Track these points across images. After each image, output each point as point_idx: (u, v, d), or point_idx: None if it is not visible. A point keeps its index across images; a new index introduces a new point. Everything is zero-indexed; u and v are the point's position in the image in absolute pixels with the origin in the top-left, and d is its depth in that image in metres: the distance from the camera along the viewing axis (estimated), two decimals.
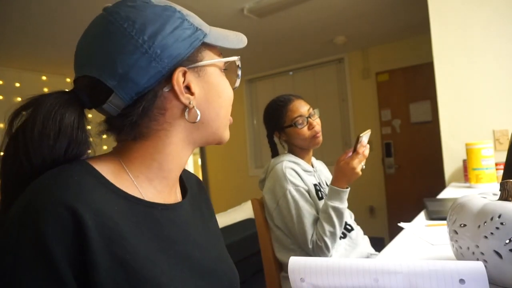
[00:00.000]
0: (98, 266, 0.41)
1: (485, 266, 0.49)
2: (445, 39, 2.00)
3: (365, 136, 1.14)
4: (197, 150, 5.27)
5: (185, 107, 0.52)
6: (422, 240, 0.89)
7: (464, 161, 1.83)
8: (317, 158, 1.49)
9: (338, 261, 0.49)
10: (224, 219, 3.03)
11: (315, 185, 1.32)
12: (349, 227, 1.35)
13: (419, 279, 0.45)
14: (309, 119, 1.32)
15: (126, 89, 0.48)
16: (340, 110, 4.12)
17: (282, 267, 1.32)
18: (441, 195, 1.56)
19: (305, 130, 1.31)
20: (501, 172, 1.56)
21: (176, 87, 0.50)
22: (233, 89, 0.60)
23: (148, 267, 0.45)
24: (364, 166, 1.15)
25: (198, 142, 0.57)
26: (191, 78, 0.52)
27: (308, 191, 1.27)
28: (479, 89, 1.91)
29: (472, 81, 1.93)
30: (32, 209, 0.41)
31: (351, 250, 1.30)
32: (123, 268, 0.43)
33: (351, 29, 3.26)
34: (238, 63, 0.61)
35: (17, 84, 3.70)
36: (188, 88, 0.52)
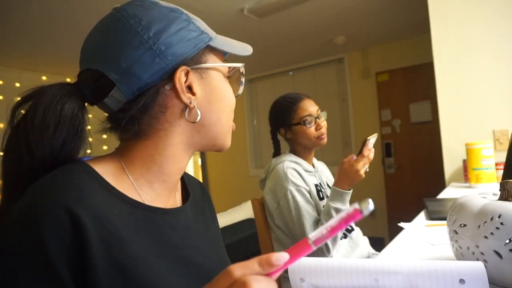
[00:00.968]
0: (96, 270, 0.41)
1: (485, 266, 0.49)
2: (445, 39, 2.00)
3: (371, 140, 1.15)
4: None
5: (186, 106, 0.52)
6: (422, 240, 0.89)
7: (464, 161, 1.83)
8: (317, 158, 1.49)
9: (338, 261, 0.49)
10: (224, 219, 3.03)
11: (316, 185, 1.32)
12: (350, 228, 1.36)
13: (419, 279, 0.45)
14: (317, 119, 1.33)
15: (128, 83, 0.48)
16: (340, 110, 4.12)
17: None
18: (441, 195, 1.56)
19: (312, 130, 1.32)
20: (501, 172, 1.56)
21: (177, 85, 0.50)
22: (236, 96, 0.60)
23: (147, 272, 0.45)
24: (368, 169, 1.16)
25: (198, 146, 0.56)
26: (194, 79, 0.52)
27: (309, 191, 1.27)
28: (479, 89, 1.91)
29: (472, 81, 1.93)
30: (32, 212, 0.41)
31: (351, 250, 1.30)
32: (121, 273, 0.43)
33: (351, 29, 3.26)
34: (242, 70, 0.61)
35: (17, 84, 3.70)
36: (190, 88, 0.52)
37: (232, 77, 0.60)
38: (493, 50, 1.88)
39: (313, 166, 1.42)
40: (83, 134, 0.50)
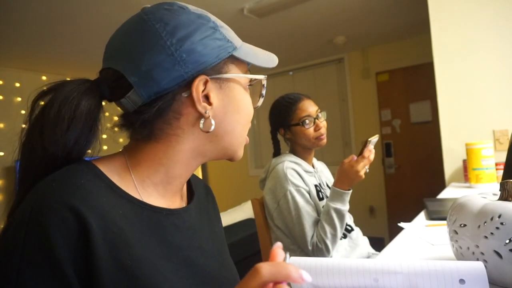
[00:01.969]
0: (101, 270, 0.41)
1: (485, 266, 0.49)
2: (445, 39, 2.00)
3: (372, 141, 1.15)
4: None
5: (201, 115, 0.51)
6: (422, 240, 0.89)
7: (464, 161, 1.83)
8: (317, 158, 1.49)
9: (338, 261, 0.49)
10: (224, 219, 3.03)
11: (315, 186, 1.32)
12: (349, 228, 1.36)
13: (419, 279, 0.45)
14: (316, 120, 1.33)
15: (146, 87, 0.48)
16: (340, 110, 4.12)
17: None
18: (441, 195, 1.56)
19: (310, 131, 1.32)
20: (501, 172, 1.56)
21: (194, 94, 0.49)
22: (255, 108, 0.59)
23: (151, 273, 0.45)
24: (367, 170, 1.16)
25: (209, 155, 0.55)
26: (212, 88, 0.52)
27: (309, 192, 1.27)
28: (479, 89, 1.91)
29: (472, 81, 1.93)
30: (37, 211, 0.41)
31: (351, 250, 1.30)
32: (126, 274, 0.43)
33: (351, 29, 3.26)
34: (264, 82, 0.60)
35: (17, 84, 3.70)
36: (207, 97, 0.51)
37: (253, 88, 0.59)
38: (493, 50, 1.88)
39: (313, 166, 1.42)
40: (97, 131, 0.50)
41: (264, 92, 0.60)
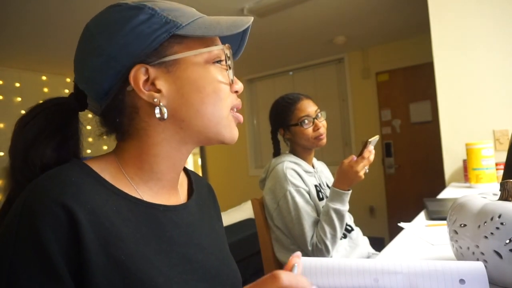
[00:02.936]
0: (93, 265, 0.42)
1: (485, 266, 0.49)
2: (445, 39, 2.00)
3: (372, 141, 1.15)
4: (197, 150, 5.27)
5: (152, 104, 0.49)
6: (422, 240, 0.89)
7: (464, 161, 1.83)
8: (317, 158, 1.49)
9: (338, 261, 0.49)
10: (224, 219, 3.02)
11: (315, 186, 1.32)
12: (349, 228, 1.36)
13: (419, 279, 0.45)
14: (315, 120, 1.32)
15: (93, 91, 0.50)
16: (340, 110, 4.12)
17: (282, 267, 1.32)
18: (441, 195, 1.56)
19: (310, 131, 1.32)
20: (501, 172, 1.56)
21: (133, 85, 0.49)
22: (230, 83, 0.54)
23: (145, 268, 0.46)
24: (367, 170, 1.16)
25: (191, 142, 0.53)
26: (158, 74, 0.49)
27: (309, 192, 1.27)
28: (479, 89, 1.91)
29: (472, 81, 1.93)
30: (29, 209, 0.42)
31: (351, 250, 1.30)
32: (119, 269, 0.43)
33: (351, 29, 3.26)
34: (227, 51, 0.53)
35: (17, 84, 3.70)
36: (154, 85, 0.50)
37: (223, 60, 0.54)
38: (493, 50, 1.88)
39: (313, 166, 1.42)
40: (76, 140, 0.53)
41: (230, 63, 0.53)
